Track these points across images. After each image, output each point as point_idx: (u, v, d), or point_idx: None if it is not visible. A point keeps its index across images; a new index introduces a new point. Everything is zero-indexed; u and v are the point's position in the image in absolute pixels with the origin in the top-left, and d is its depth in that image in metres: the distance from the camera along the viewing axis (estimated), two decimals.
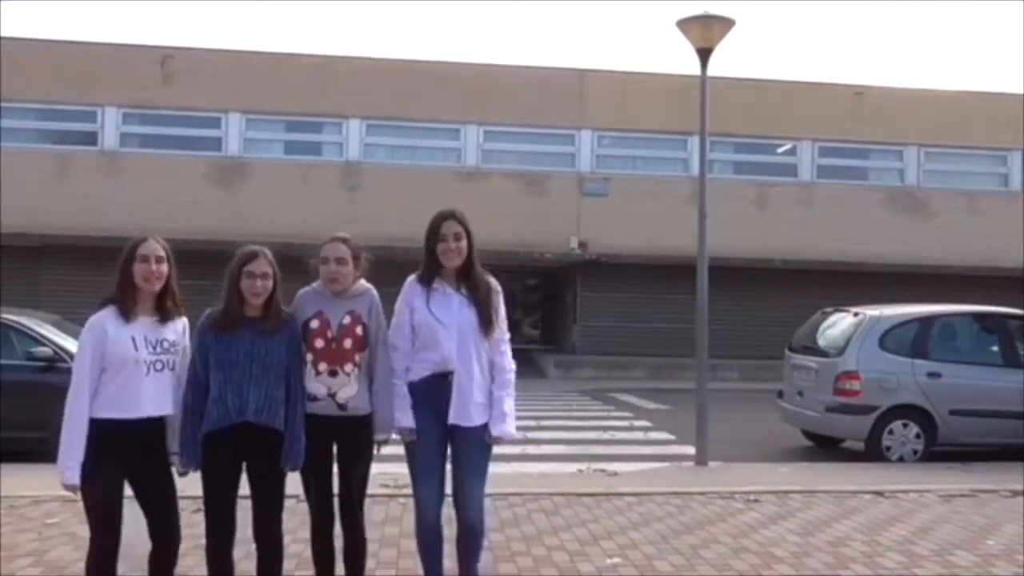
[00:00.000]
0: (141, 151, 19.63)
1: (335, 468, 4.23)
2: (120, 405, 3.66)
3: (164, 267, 3.77)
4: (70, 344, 8.83)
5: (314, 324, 4.14)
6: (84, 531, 5.10)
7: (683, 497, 6.84)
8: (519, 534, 5.81)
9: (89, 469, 3.60)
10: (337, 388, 4.12)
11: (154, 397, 3.73)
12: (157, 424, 3.78)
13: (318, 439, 4.06)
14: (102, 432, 3.62)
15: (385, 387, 4.22)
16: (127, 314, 3.71)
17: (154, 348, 3.74)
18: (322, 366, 4.10)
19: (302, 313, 4.16)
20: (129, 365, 3.66)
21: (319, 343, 4.12)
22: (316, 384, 4.09)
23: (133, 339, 3.69)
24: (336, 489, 4.24)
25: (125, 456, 3.68)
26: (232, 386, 3.81)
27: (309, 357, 4.09)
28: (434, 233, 4.24)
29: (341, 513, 4.25)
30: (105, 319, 3.70)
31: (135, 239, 3.82)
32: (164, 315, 3.81)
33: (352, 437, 4.19)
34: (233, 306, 3.89)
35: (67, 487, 3.62)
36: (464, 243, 4.23)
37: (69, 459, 3.57)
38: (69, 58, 18.88)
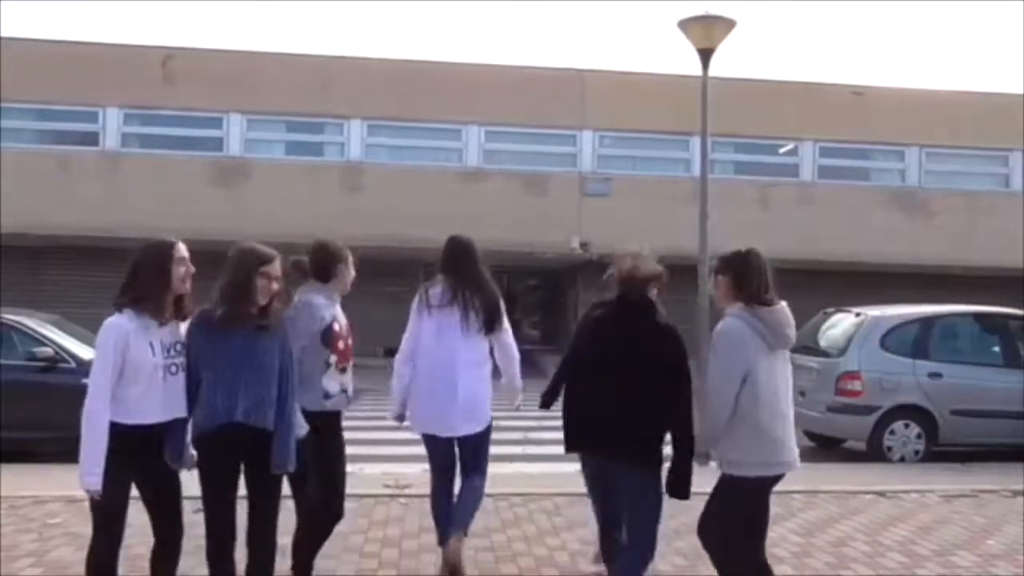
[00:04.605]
0: (142, 151, 19.61)
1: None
2: (139, 411, 3.64)
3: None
4: (71, 344, 8.84)
5: (336, 327, 4.38)
6: (85, 531, 5.09)
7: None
8: (520, 534, 5.81)
9: (103, 471, 3.57)
10: (347, 383, 4.45)
11: (170, 401, 3.72)
12: (170, 426, 3.76)
13: (331, 434, 4.36)
14: (119, 437, 3.58)
15: None
16: (159, 317, 3.67)
17: (168, 352, 3.72)
18: (342, 365, 4.40)
19: (321, 318, 4.31)
20: (147, 371, 3.63)
21: (341, 344, 4.39)
22: (333, 383, 4.35)
23: (151, 345, 3.66)
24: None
25: (137, 458, 3.66)
26: (222, 386, 3.73)
27: (333, 359, 4.34)
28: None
29: (335, 505, 4.50)
30: (125, 324, 3.63)
31: (164, 241, 3.76)
32: (179, 318, 3.79)
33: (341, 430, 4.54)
34: (244, 303, 3.78)
35: (90, 492, 3.58)
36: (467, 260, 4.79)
37: (93, 465, 3.53)
38: (70, 58, 18.86)
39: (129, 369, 3.60)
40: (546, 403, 4.36)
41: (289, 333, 3.99)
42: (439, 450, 4.87)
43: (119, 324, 3.63)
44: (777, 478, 3.85)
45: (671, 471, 3.83)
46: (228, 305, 3.77)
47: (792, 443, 3.84)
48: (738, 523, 3.79)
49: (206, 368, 3.76)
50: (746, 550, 3.81)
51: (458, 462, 4.88)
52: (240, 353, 3.75)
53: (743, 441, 3.68)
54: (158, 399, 3.67)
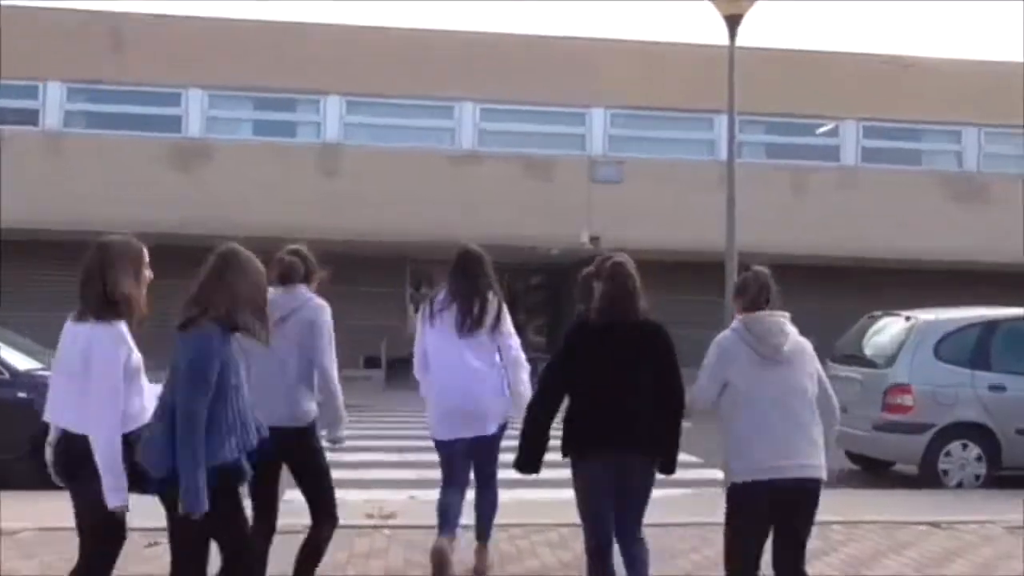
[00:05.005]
0: (89, 132, 19.63)
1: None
2: (140, 415, 3.87)
3: None
4: (5, 353, 8.78)
5: None
6: (21, 568, 5.07)
7: (708, 528, 6.77)
8: (522, 570, 5.80)
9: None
10: None
11: (150, 404, 3.93)
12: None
13: None
14: (126, 448, 3.77)
15: None
16: (132, 320, 3.90)
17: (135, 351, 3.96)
18: None
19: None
20: (140, 375, 3.90)
21: None
22: None
23: (132, 348, 3.89)
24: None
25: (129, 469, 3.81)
26: (258, 401, 3.93)
27: None
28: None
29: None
30: (124, 333, 3.83)
31: (135, 242, 3.93)
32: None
33: None
34: (264, 310, 3.93)
35: (118, 511, 3.78)
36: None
37: (120, 480, 3.73)
38: (5, 26, 18.83)
39: (128, 376, 3.82)
40: (546, 419, 4.55)
41: (320, 334, 4.61)
42: (455, 456, 5.45)
43: (120, 331, 3.81)
44: (772, 491, 4.20)
45: (664, 452, 4.51)
46: (257, 311, 3.86)
47: (781, 453, 4.20)
48: (728, 532, 4.43)
49: (238, 385, 3.76)
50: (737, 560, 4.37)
51: (471, 470, 5.53)
52: (258, 361, 4.07)
53: (727, 445, 4.35)
54: (147, 402, 3.89)
